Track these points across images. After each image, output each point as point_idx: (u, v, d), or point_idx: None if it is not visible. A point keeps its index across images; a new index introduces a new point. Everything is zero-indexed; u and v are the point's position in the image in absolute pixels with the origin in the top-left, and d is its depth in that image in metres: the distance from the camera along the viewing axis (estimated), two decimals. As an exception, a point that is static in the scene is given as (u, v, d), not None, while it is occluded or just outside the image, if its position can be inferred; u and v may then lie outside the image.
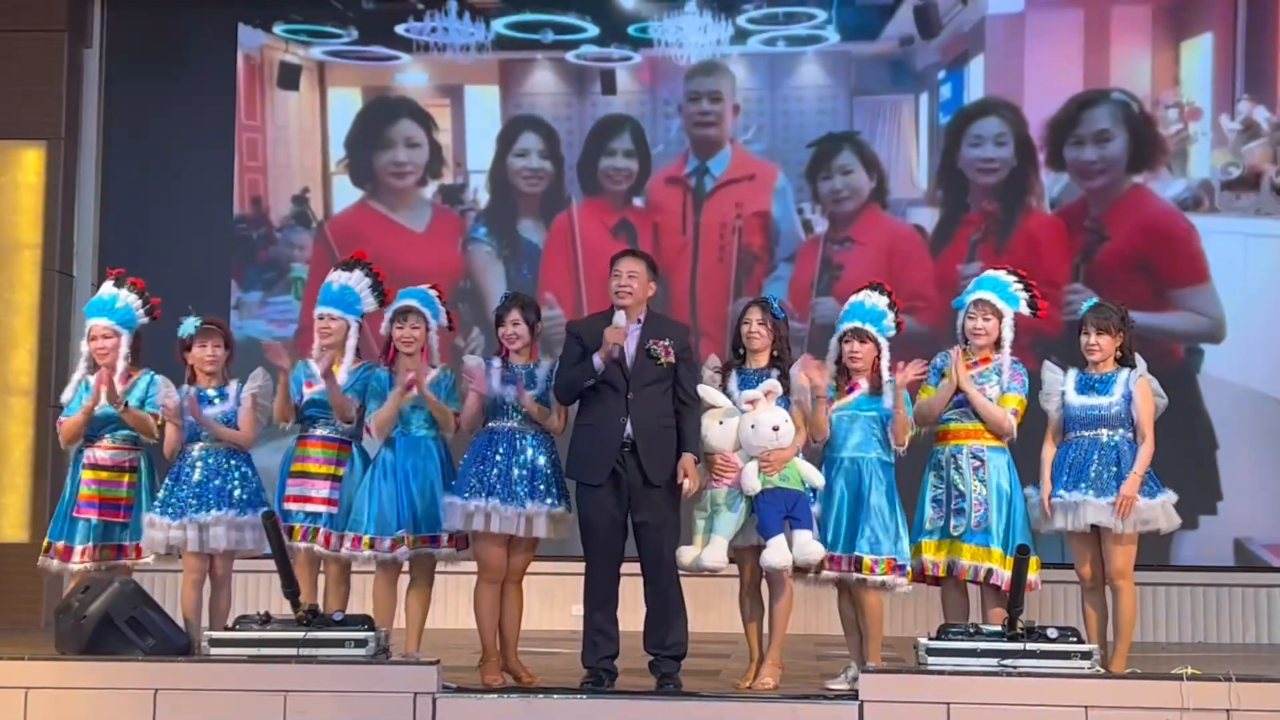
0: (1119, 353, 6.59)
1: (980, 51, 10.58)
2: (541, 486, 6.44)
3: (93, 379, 6.95)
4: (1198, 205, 10.36)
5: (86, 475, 6.96)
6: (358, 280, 7.04)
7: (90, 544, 6.91)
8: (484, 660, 6.55)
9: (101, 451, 6.98)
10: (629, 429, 6.22)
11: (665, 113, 10.82)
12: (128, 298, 7.09)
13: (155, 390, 6.98)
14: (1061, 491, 6.46)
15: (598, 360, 6.22)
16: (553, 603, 9.64)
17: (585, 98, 10.89)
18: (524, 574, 6.65)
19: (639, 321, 6.35)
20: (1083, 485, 6.42)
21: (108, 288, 7.15)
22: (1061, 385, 6.61)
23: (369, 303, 7.04)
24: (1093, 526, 6.43)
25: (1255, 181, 10.34)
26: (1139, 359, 6.61)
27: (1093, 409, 6.51)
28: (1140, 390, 6.48)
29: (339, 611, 6.34)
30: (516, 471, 6.42)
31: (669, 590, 6.29)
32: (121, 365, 6.97)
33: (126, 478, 7.00)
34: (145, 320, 7.14)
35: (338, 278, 7.04)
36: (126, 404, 6.87)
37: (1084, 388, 6.57)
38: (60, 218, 10.44)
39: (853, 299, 6.74)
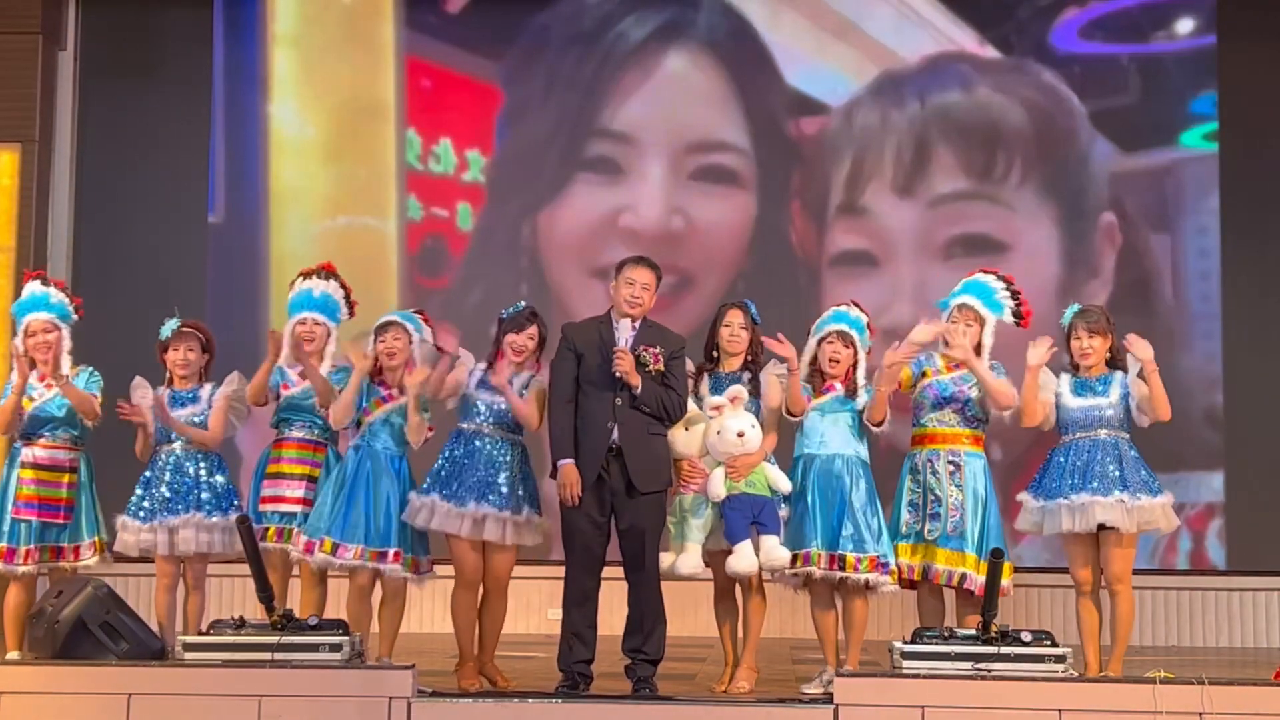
0: (1108, 354, 6.58)
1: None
2: (515, 492, 6.45)
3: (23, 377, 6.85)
4: None
5: (26, 475, 6.82)
6: (335, 289, 7.05)
7: (32, 545, 6.79)
8: (460, 664, 6.54)
9: (40, 450, 6.86)
10: (616, 434, 6.20)
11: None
12: (59, 295, 7.06)
13: (95, 381, 6.94)
14: (1070, 494, 6.43)
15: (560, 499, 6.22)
16: (529, 606, 9.65)
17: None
18: (508, 580, 6.61)
19: (635, 329, 6.30)
20: (1090, 486, 6.39)
21: (36, 286, 7.07)
22: (1056, 389, 6.59)
23: (343, 313, 7.05)
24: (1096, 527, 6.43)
25: None
26: (1130, 359, 6.55)
27: (1092, 410, 6.49)
28: (1138, 389, 6.47)
29: (313, 616, 6.32)
30: (486, 475, 6.42)
31: (652, 595, 6.27)
32: (67, 361, 6.95)
33: (66, 478, 6.88)
34: (75, 319, 7.07)
35: (317, 285, 7.01)
36: (67, 378, 6.78)
37: (1081, 390, 6.56)
38: (34, 221, 10.41)
39: (834, 308, 6.72)
